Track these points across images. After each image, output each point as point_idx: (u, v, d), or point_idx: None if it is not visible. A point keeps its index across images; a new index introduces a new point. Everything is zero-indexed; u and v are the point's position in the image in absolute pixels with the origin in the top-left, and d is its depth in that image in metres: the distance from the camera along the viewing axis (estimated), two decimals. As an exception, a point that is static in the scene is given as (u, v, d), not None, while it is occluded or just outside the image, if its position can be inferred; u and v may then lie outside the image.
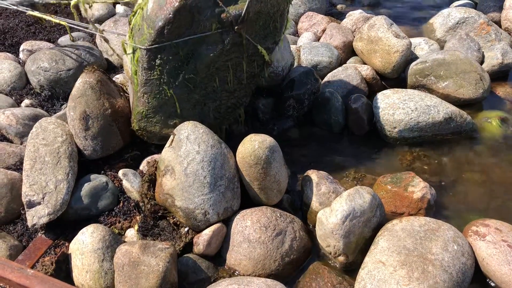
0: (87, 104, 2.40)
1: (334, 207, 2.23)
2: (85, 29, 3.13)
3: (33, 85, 3.01)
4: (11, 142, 2.60)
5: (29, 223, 2.14)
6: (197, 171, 2.20)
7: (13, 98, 2.92)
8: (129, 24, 2.38)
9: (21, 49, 3.25)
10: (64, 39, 3.41)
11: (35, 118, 2.68)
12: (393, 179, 2.55)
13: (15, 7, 3.12)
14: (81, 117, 2.38)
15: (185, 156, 2.22)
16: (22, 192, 2.20)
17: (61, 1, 3.18)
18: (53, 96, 2.96)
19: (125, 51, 2.44)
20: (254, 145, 2.28)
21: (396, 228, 2.22)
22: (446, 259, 2.06)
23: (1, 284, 1.93)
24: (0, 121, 2.60)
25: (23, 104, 2.88)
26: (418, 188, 2.46)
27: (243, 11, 2.25)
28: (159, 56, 2.25)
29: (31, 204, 2.15)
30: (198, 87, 2.40)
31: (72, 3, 2.99)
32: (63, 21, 2.93)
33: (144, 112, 2.40)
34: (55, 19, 2.97)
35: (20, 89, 3.00)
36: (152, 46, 2.21)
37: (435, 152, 2.91)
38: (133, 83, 2.41)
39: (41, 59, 2.98)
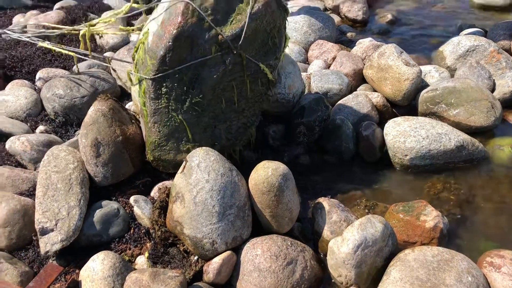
0: (99, 131, 2.43)
1: (346, 236, 2.21)
2: (93, 59, 3.20)
3: (48, 111, 3.06)
4: (25, 168, 2.64)
5: (42, 251, 2.15)
6: (205, 200, 2.21)
7: (28, 124, 2.97)
8: (133, 60, 2.45)
9: (37, 76, 3.32)
10: (79, 66, 3.47)
11: (49, 144, 2.71)
12: (405, 207, 2.53)
13: (26, 39, 3.21)
14: (92, 144, 2.41)
15: (195, 184, 2.23)
16: (35, 219, 2.21)
17: (72, 32, 3.26)
18: (67, 122, 3.00)
19: (131, 81, 2.49)
20: (267, 172, 2.28)
21: (408, 258, 2.19)
22: (460, 290, 2.02)
23: (12, 312, 1.93)
24: (15, 147, 2.64)
25: (37, 130, 2.93)
26: (431, 217, 2.44)
27: (241, 31, 2.30)
28: (164, 84, 2.30)
29: (44, 231, 2.17)
30: (206, 110, 2.42)
31: (80, 33, 3.07)
32: (71, 52, 3.00)
33: (156, 141, 2.42)
34: (63, 50, 3.05)
35: (35, 115, 3.05)
36: (156, 76, 2.27)
37: (447, 180, 2.89)
38: (143, 115, 2.45)
39: (56, 86, 3.04)
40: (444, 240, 2.44)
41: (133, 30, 3.07)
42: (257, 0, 2.37)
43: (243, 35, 2.32)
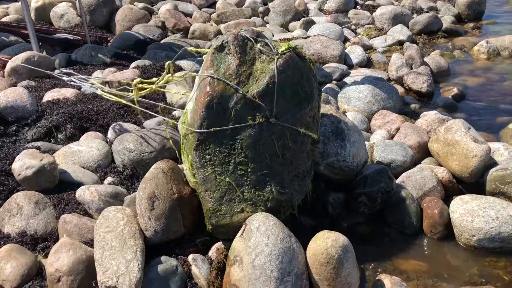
0: (157, 186, 2.53)
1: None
2: (156, 115, 3.38)
3: (117, 163, 3.20)
4: (92, 217, 2.73)
5: None
6: (264, 264, 2.20)
7: (98, 175, 3.11)
8: (181, 144, 2.67)
9: (110, 129, 3.51)
10: (149, 122, 3.65)
11: (116, 196, 2.82)
12: (472, 292, 2.39)
13: (87, 86, 3.44)
14: (148, 197, 2.49)
15: (254, 248, 2.23)
16: (98, 280, 2.26)
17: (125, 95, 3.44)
18: (134, 175, 3.12)
19: (179, 155, 2.66)
20: (327, 243, 2.24)
21: None
22: None
23: None
24: (84, 196, 2.76)
25: (106, 182, 3.05)
26: (501, 305, 2.28)
27: (267, 86, 2.48)
28: (206, 152, 2.46)
29: None
30: (252, 167, 2.47)
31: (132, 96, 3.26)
32: (135, 106, 3.19)
33: (211, 208, 2.45)
34: (125, 102, 3.24)
35: (105, 166, 3.19)
36: (198, 147, 2.45)
37: (519, 266, 2.71)
38: (197, 190, 2.53)
39: (127, 141, 3.19)
40: (516, 333, 2.26)
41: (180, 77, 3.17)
42: (279, 58, 2.53)
43: (276, 90, 2.48)
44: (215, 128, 2.44)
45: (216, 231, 2.51)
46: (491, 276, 2.67)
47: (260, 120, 2.46)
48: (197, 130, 2.44)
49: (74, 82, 3.92)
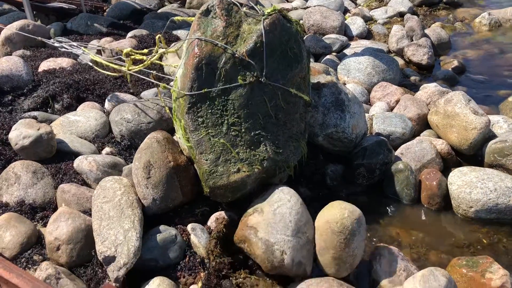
0: (152, 155, 2.52)
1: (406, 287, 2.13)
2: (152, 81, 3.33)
3: (115, 134, 3.17)
4: (90, 187, 2.73)
5: (112, 278, 2.19)
6: (284, 213, 2.33)
7: (96, 145, 3.09)
8: (173, 111, 2.65)
9: (107, 100, 3.47)
10: (147, 93, 3.61)
11: (114, 166, 2.80)
12: (468, 262, 2.41)
13: (78, 49, 3.38)
14: (144, 166, 2.48)
15: (277, 201, 2.40)
16: (96, 250, 2.27)
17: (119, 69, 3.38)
18: (132, 146, 3.10)
19: (175, 120, 2.65)
20: (343, 213, 2.26)
21: (472, 317, 2.07)
22: None
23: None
24: (82, 166, 2.75)
25: (104, 152, 3.04)
26: (497, 275, 2.30)
27: (255, 45, 2.48)
28: (199, 114, 2.45)
29: (108, 260, 2.21)
30: (245, 128, 2.48)
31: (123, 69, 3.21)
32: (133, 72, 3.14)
33: (207, 170, 2.44)
34: (114, 74, 3.20)
35: (102, 137, 3.17)
36: (190, 110, 2.46)
37: (516, 238, 2.74)
38: (192, 155, 2.52)
39: (124, 111, 3.15)
40: (511, 302, 2.29)
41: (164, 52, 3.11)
42: (265, 19, 2.54)
43: (264, 50, 2.49)
44: (205, 90, 2.43)
45: (214, 194, 2.50)
46: (487, 247, 2.69)
47: (251, 79, 2.47)
48: (187, 93, 2.43)
49: (65, 48, 3.85)
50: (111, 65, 3.34)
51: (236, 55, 2.45)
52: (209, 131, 2.45)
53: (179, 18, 3.17)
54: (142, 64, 3.12)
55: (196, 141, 2.45)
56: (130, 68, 3.19)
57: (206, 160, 2.43)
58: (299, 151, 2.66)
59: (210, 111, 2.46)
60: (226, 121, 2.46)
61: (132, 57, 3.19)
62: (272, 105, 2.54)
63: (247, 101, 2.48)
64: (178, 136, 2.65)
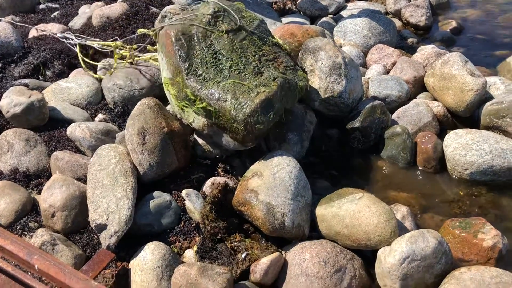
0: (145, 121, 2.51)
1: (394, 247, 2.16)
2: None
3: (108, 101, 3.14)
4: (84, 154, 2.71)
5: (104, 246, 2.21)
6: (284, 177, 2.40)
7: (88, 112, 3.06)
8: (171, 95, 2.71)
9: (99, 67, 3.41)
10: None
11: (107, 133, 2.78)
12: (461, 223, 2.43)
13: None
14: (139, 132, 2.47)
15: (277, 165, 2.46)
16: (89, 218, 2.28)
17: (104, 46, 3.41)
18: (125, 112, 3.06)
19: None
20: None
21: (464, 277, 2.10)
22: (519, 316, 1.92)
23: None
24: (76, 134, 2.73)
25: (97, 119, 3.01)
26: (489, 235, 2.32)
27: None
28: (198, 75, 2.56)
29: (100, 228, 2.22)
30: (243, 64, 2.60)
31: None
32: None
33: (231, 106, 2.46)
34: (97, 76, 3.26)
35: (95, 104, 3.13)
36: (189, 75, 2.57)
37: (509, 199, 2.75)
38: (213, 114, 2.53)
39: (117, 77, 3.11)
40: (503, 262, 2.32)
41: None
42: None
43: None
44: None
45: (247, 131, 2.46)
46: (481, 208, 2.71)
47: (227, 27, 2.69)
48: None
49: (53, 34, 3.76)
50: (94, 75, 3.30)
51: (208, 13, 2.69)
52: (215, 80, 2.52)
53: (141, 30, 3.18)
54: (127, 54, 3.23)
55: (209, 95, 2.49)
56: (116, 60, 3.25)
57: (225, 100, 2.47)
58: (302, 77, 2.74)
59: (206, 67, 2.57)
60: (224, 67, 2.58)
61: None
62: (255, 48, 2.69)
63: (232, 46, 2.64)
64: (174, 103, 2.67)
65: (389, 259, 2.13)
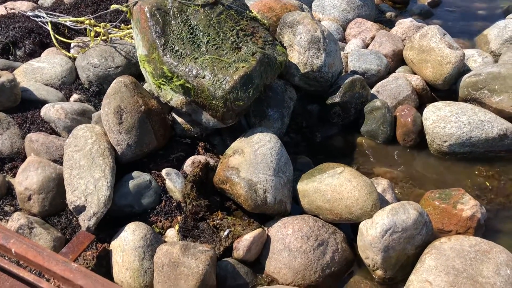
0: (122, 99, 2.44)
1: (375, 220, 2.17)
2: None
3: (82, 80, 3.06)
4: (59, 135, 2.65)
5: (83, 228, 2.17)
6: (265, 154, 2.39)
7: (63, 92, 2.97)
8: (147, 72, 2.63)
9: (72, 45, 3.31)
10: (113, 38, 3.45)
11: (83, 113, 2.72)
12: (441, 195, 2.46)
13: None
14: (115, 111, 2.41)
15: (257, 142, 2.44)
16: (67, 200, 2.22)
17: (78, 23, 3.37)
18: (101, 92, 2.99)
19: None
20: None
21: (444, 247, 2.13)
22: (498, 283, 1.96)
23: (46, 276, 1.95)
24: (50, 115, 2.65)
25: (71, 99, 2.93)
26: (468, 206, 2.36)
27: None
28: (175, 51, 2.51)
29: (78, 210, 2.18)
30: (220, 39, 2.57)
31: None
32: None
33: (209, 83, 2.42)
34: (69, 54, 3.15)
35: (69, 83, 3.05)
36: (165, 52, 2.52)
37: (487, 169, 2.79)
38: (191, 91, 2.48)
39: (91, 56, 3.02)
40: (481, 231, 2.37)
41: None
42: None
43: None
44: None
45: (227, 108, 2.43)
46: (460, 180, 2.75)
47: (201, 2, 2.62)
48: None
49: (23, 12, 3.63)
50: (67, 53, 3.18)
51: None
52: (192, 56, 2.47)
53: (114, 6, 3.13)
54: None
55: (187, 71, 2.44)
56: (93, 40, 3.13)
57: (203, 77, 2.42)
58: (280, 52, 2.69)
59: (183, 43, 2.52)
60: (201, 42, 2.54)
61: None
62: (232, 23, 2.64)
63: (209, 21, 2.60)
64: (151, 82, 2.61)
65: (371, 232, 2.15)
